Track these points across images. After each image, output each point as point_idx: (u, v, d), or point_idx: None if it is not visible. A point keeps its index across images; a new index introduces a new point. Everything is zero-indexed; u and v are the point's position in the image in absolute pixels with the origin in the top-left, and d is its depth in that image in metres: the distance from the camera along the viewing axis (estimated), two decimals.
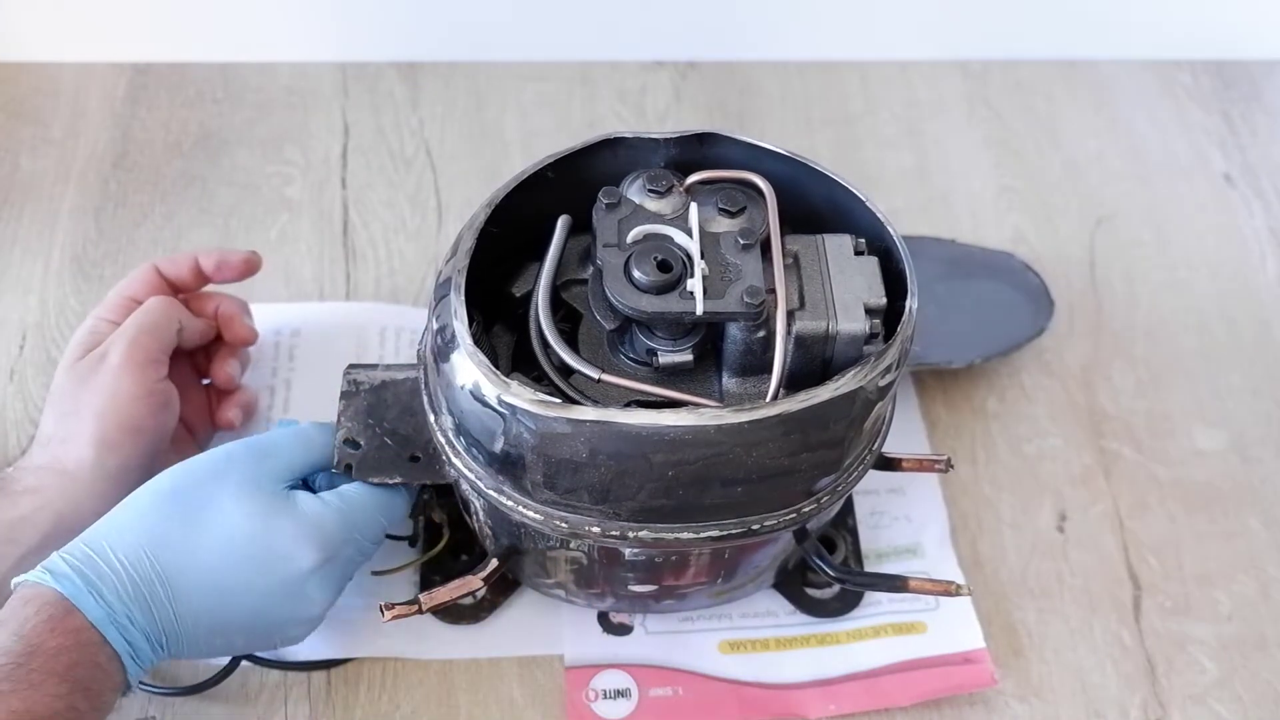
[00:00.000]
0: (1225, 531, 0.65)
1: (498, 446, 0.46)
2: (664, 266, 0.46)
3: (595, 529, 0.47)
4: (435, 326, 0.47)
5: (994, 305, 0.69)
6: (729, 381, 0.49)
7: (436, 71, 0.82)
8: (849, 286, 0.47)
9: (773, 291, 0.47)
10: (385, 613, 0.49)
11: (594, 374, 0.46)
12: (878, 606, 0.60)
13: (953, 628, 0.60)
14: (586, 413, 0.43)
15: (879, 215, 0.51)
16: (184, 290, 0.60)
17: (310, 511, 0.49)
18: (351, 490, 0.52)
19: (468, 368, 0.45)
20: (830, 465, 0.47)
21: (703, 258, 0.47)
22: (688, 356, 0.48)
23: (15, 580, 0.46)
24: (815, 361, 0.47)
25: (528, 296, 0.51)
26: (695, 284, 0.46)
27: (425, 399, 0.51)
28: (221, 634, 0.49)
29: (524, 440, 0.45)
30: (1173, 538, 0.64)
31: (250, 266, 0.60)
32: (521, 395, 0.44)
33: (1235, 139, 0.83)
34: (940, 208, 0.77)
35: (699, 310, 0.46)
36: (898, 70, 0.85)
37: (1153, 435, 0.68)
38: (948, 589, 0.54)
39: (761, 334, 0.47)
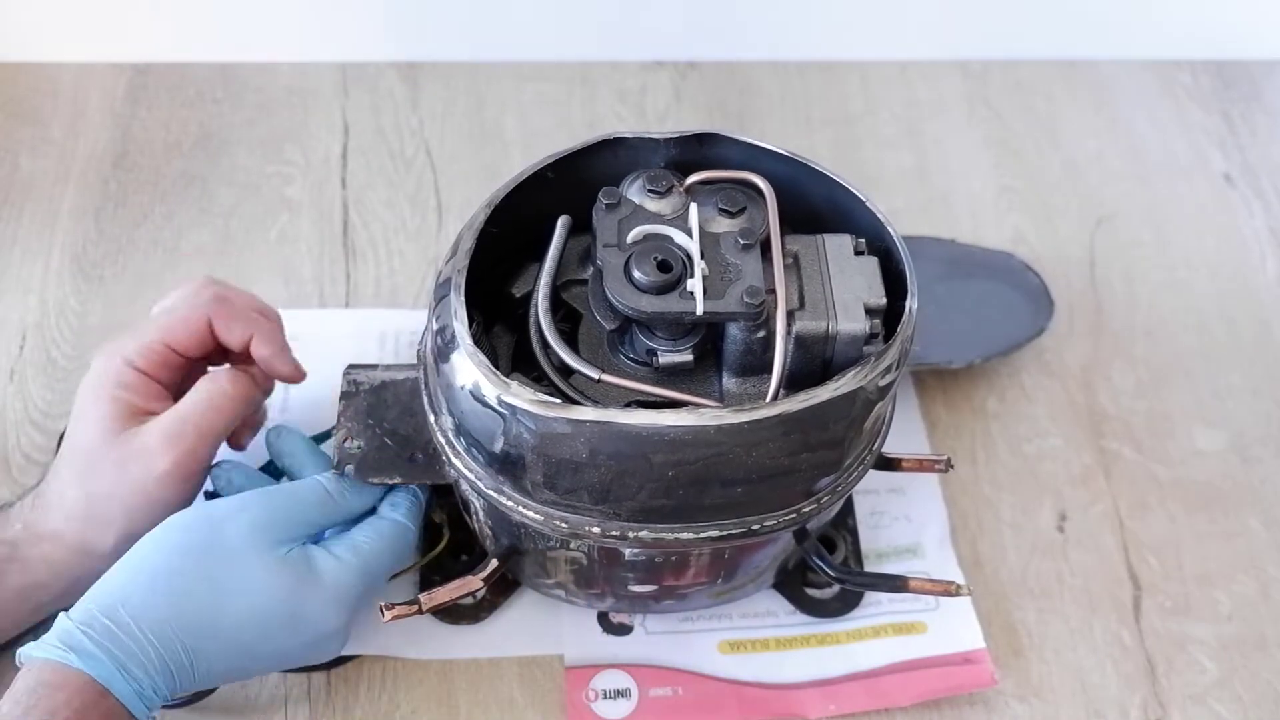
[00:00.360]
0: (1225, 531, 0.64)
1: (498, 447, 0.46)
2: (664, 267, 0.46)
3: (595, 529, 0.47)
4: (435, 327, 0.47)
5: (994, 305, 0.69)
6: (729, 382, 0.49)
7: (436, 71, 0.82)
8: (849, 286, 0.47)
9: (773, 292, 0.47)
10: (385, 613, 0.48)
11: (594, 374, 0.46)
12: (878, 606, 0.60)
13: (953, 628, 0.60)
14: (586, 413, 0.43)
15: (879, 215, 0.50)
16: (225, 349, 0.55)
17: (332, 575, 0.49)
18: (365, 541, 0.51)
19: (468, 368, 0.45)
20: (830, 465, 0.47)
21: (703, 258, 0.47)
22: (688, 356, 0.48)
23: (31, 653, 0.44)
24: (815, 361, 0.47)
25: (528, 297, 0.51)
26: (695, 284, 0.46)
27: (425, 399, 0.51)
28: (237, 678, 0.51)
29: (524, 440, 0.45)
30: (1173, 538, 0.64)
31: (294, 379, 0.55)
32: (521, 395, 0.44)
33: (1235, 139, 0.83)
34: (940, 208, 0.77)
35: (699, 310, 0.45)
36: (898, 70, 0.85)
37: (1153, 435, 0.68)
38: (948, 589, 0.54)
39: (761, 334, 0.47)
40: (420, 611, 0.49)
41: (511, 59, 0.83)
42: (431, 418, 0.50)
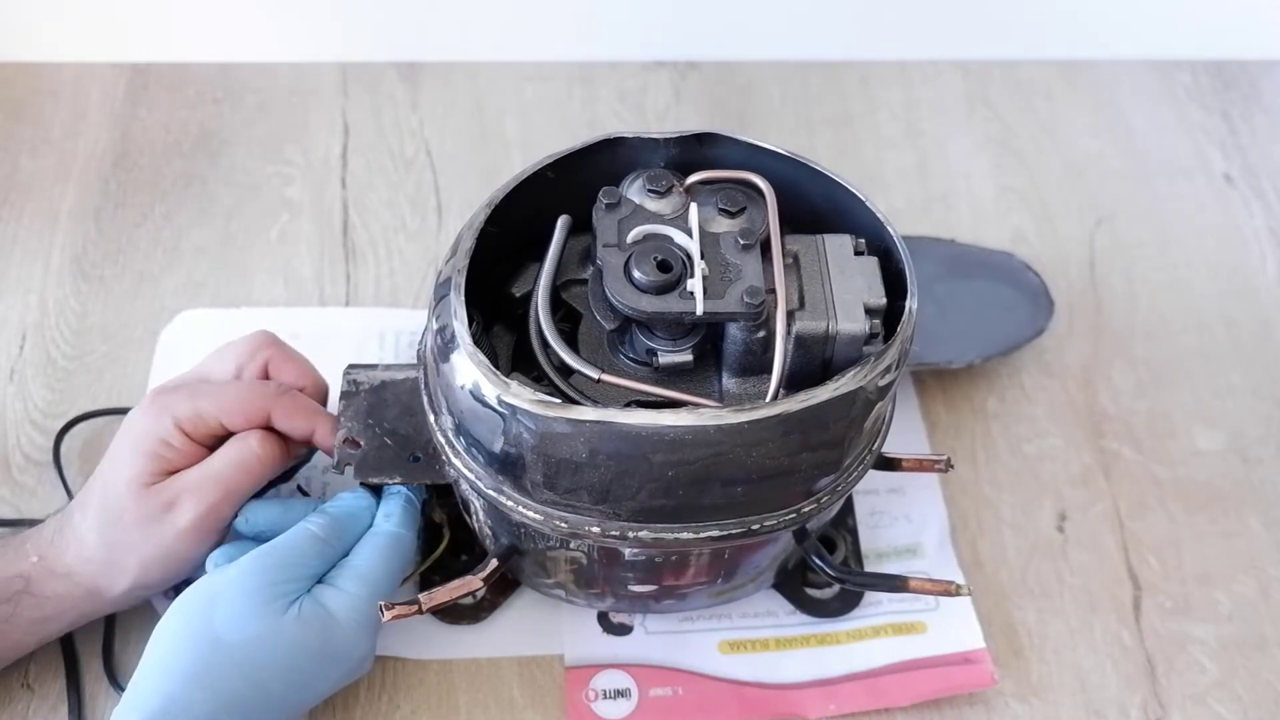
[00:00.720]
0: (1225, 531, 0.64)
1: (497, 446, 0.46)
2: (664, 266, 0.46)
3: (595, 529, 0.47)
4: (435, 326, 0.47)
5: (994, 305, 0.68)
6: (729, 382, 0.49)
7: (436, 71, 0.82)
8: (849, 286, 0.47)
9: (773, 291, 0.46)
10: (385, 613, 0.48)
11: (594, 374, 0.46)
12: (878, 607, 0.60)
13: (953, 628, 0.59)
14: (586, 413, 0.43)
15: (879, 215, 0.50)
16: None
17: (346, 612, 0.49)
18: (366, 565, 0.51)
19: (468, 368, 0.45)
20: (830, 465, 0.47)
21: (703, 258, 0.47)
22: (687, 356, 0.48)
23: None
24: (815, 362, 0.47)
25: (528, 296, 0.50)
26: (695, 284, 0.46)
27: (425, 399, 0.51)
28: None
29: (524, 440, 0.44)
30: (1173, 538, 0.64)
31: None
32: (521, 395, 0.44)
33: (1235, 139, 0.82)
34: (940, 208, 0.77)
35: (699, 310, 0.45)
36: (898, 70, 0.84)
37: (1153, 435, 0.68)
38: (948, 589, 0.53)
39: (761, 334, 0.47)
40: (420, 612, 0.49)
41: (511, 59, 0.83)
42: (431, 417, 0.50)
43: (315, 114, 0.79)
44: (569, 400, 0.46)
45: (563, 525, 0.48)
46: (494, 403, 0.44)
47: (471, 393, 0.45)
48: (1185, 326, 0.73)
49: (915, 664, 0.58)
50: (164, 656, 0.47)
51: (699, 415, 0.43)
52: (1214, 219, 0.78)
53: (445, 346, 0.46)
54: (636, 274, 0.46)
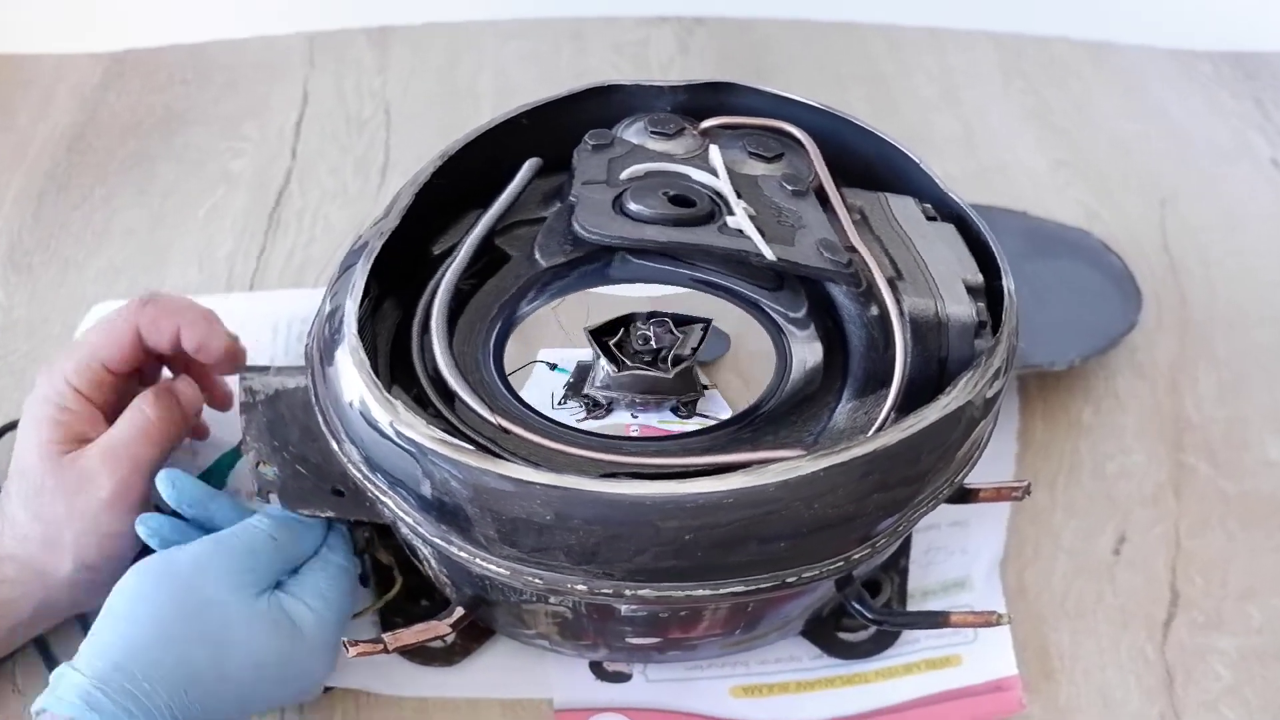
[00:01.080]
0: (1276, 546, 0.48)
1: (426, 491, 0.28)
2: (681, 201, 0.29)
3: (580, 586, 0.31)
4: (327, 309, 0.29)
5: (1080, 292, 0.50)
6: (841, 410, 0.31)
7: (409, 34, 0.66)
8: (939, 257, 0.29)
9: (853, 249, 0.29)
10: (349, 649, 0.37)
11: (490, 416, 0.28)
12: (914, 644, 0.44)
13: (988, 657, 0.44)
14: (532, 474, 0.25)
15: (935, 179, 0.34)
16: (159, 355, 0.47)
17: (311, 627, 0.41)
18: (329, 589, 0.42)
19: (351, 375, 0.27)
20: (898, 505, 0.30)
21: (740, 198, 0.29)
22: (817, 349, 0.30)
23: (55, 710, 0.38)
24: (932, 361, 0.29)
25: (449, 254, 0.32)
26: (740, 220, 0.28)
27: (320, 418, 0.33)
28: None
29: (455, 490, 0.26)
30: (1224, 555, 0.48)
31: (231, 357, 0.45)
32: (416, 428, 0.26)
33: (1273, 124, 0.65)
34: (997, 178, 0.60)
35: (769, 255, 0.28)
36: (929, 35, 0.68)
37: (1229, 446, 0.51)
38: (988, 620, 0.40)
39: (875, 310, 0.29)
40: (386, 651, 0.36)
41: (493, 16, 0.66)
42: (334, 444, 0.32)
43: (278, 86, 0.63)
44: (477, 445, 0.28)
45: (537, 582, 0.30)
46: (392, 434, 0.26)
47: (363, 415, 0.27)
48: (1261, 319, 0.55)
49: (944, 696, 0.43)
50: (129, 605, 0.40)
51: (758, 475, 0.25)
52: (1268, 205, 0.61)
53: (331, 340, 0.28)
54: (634, 206, 0.29)
